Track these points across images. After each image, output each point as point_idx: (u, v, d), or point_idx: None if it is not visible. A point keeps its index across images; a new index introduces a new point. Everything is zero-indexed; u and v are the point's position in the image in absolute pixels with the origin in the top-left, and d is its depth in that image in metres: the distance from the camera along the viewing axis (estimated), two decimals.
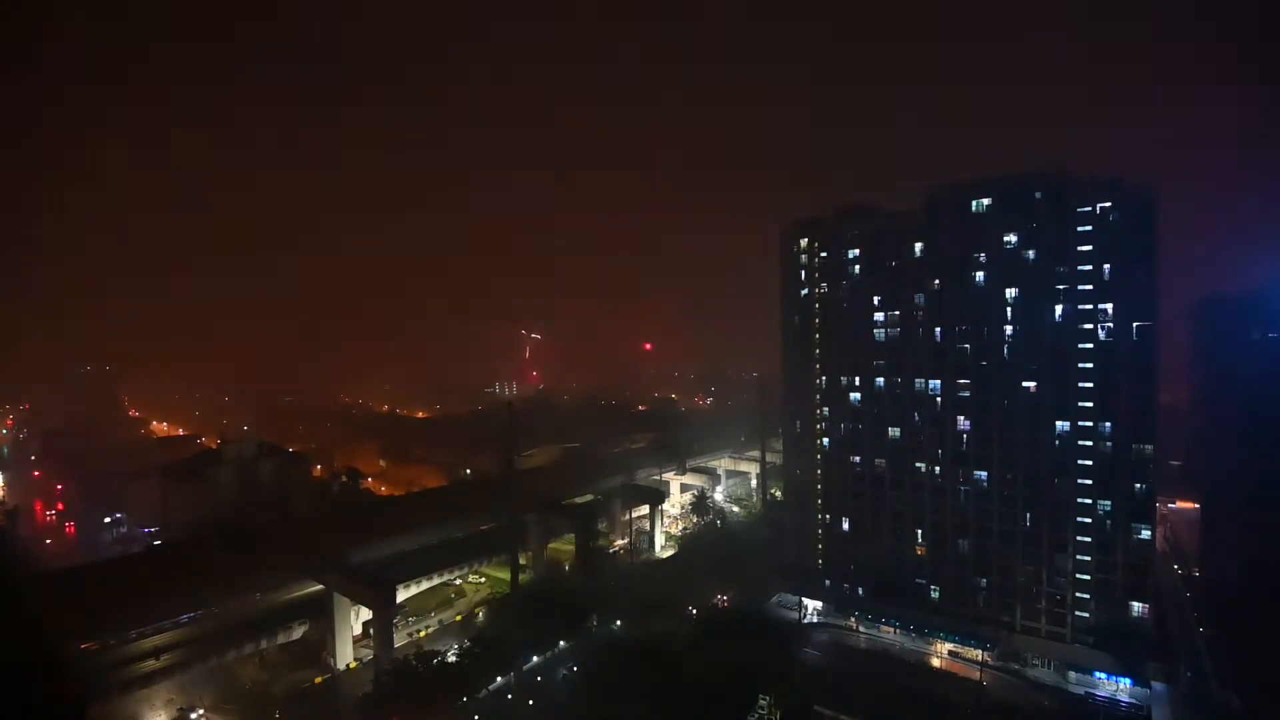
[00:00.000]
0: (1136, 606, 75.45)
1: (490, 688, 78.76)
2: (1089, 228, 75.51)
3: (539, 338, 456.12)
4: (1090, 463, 77.03)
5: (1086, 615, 78.12)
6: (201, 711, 75.57)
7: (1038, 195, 79.05)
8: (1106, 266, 74.86)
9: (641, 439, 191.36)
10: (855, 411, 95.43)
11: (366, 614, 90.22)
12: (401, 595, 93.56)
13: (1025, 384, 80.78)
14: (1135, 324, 73.85)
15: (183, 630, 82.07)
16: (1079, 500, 77.83)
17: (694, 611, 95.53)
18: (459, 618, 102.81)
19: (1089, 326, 76.16)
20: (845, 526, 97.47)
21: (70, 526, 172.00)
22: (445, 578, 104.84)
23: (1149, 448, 74.34)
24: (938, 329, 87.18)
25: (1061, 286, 77.67)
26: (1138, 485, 74.90)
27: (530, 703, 76.56)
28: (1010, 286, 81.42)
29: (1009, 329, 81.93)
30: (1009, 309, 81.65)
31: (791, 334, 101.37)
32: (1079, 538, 78.12)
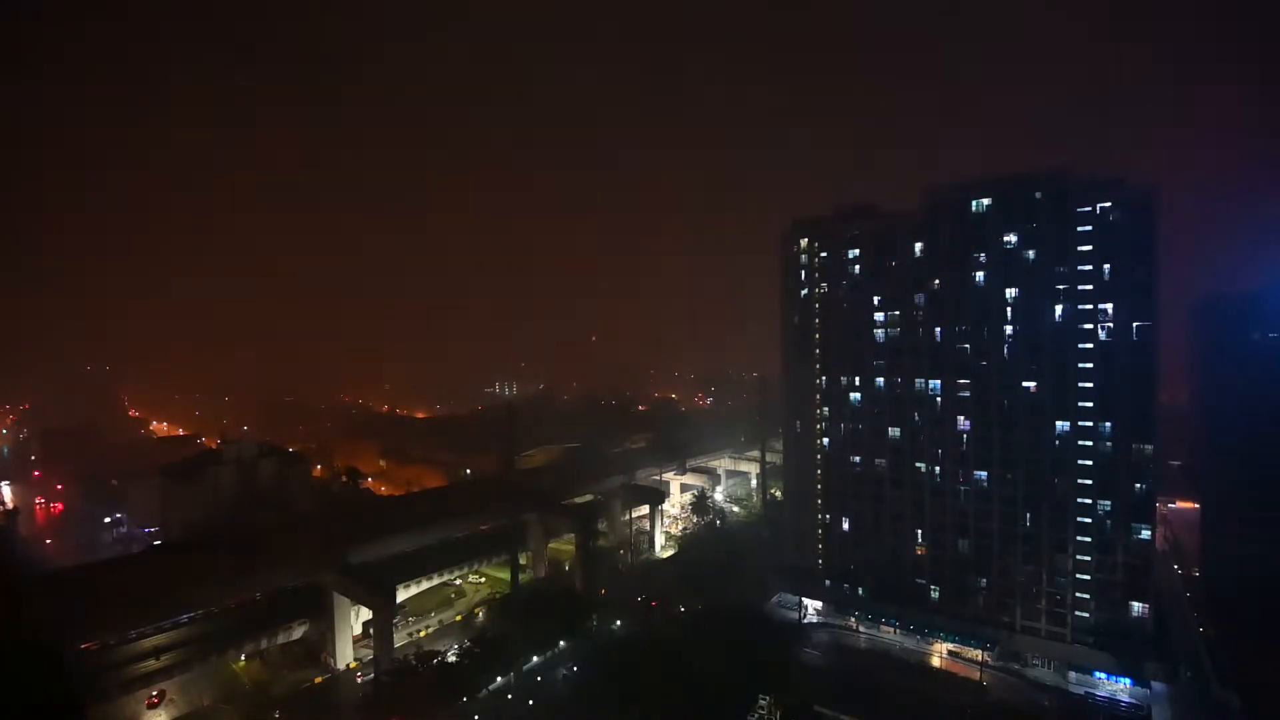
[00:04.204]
0: (1136, 606, 75.41)
1: (490, 688, 78.79)
2: (1089, 228, 75.49)
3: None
4: (1090, 463, 76.99)
5: (1086, 615, 78.09)
6: None
7: (1038, 195, 79.03)
8: (1106, 266, 74.83)
9: (641, 439, 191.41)
10: (855, 411, 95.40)
11: (366, 614, 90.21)
12: (401, 595, 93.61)
13: (1025, 384, 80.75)
14: (1135, 324, 73.80)
15: (183, 630, 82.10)
16: (1079, 500, 77.80)
17: (694, 611, 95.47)
18: (459, 618, 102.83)
19: (1089, 326, 76.11)
20: (845, 526, 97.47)
21: (56, 509, 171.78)
22: (445, 578, 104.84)
23: (1149, 448, 74.29)
24: (938, 329, 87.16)
25: (1061, 286, 77.62)
26: (1138, 485, 74.87)
27: (530, 703, 76.57)
28: (1010, 286, 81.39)
29: (1009, 329, 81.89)
30: (1009, 309, 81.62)
31: (791, 334, 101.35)
32: (1079, 538, 78.10)
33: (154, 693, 76.05)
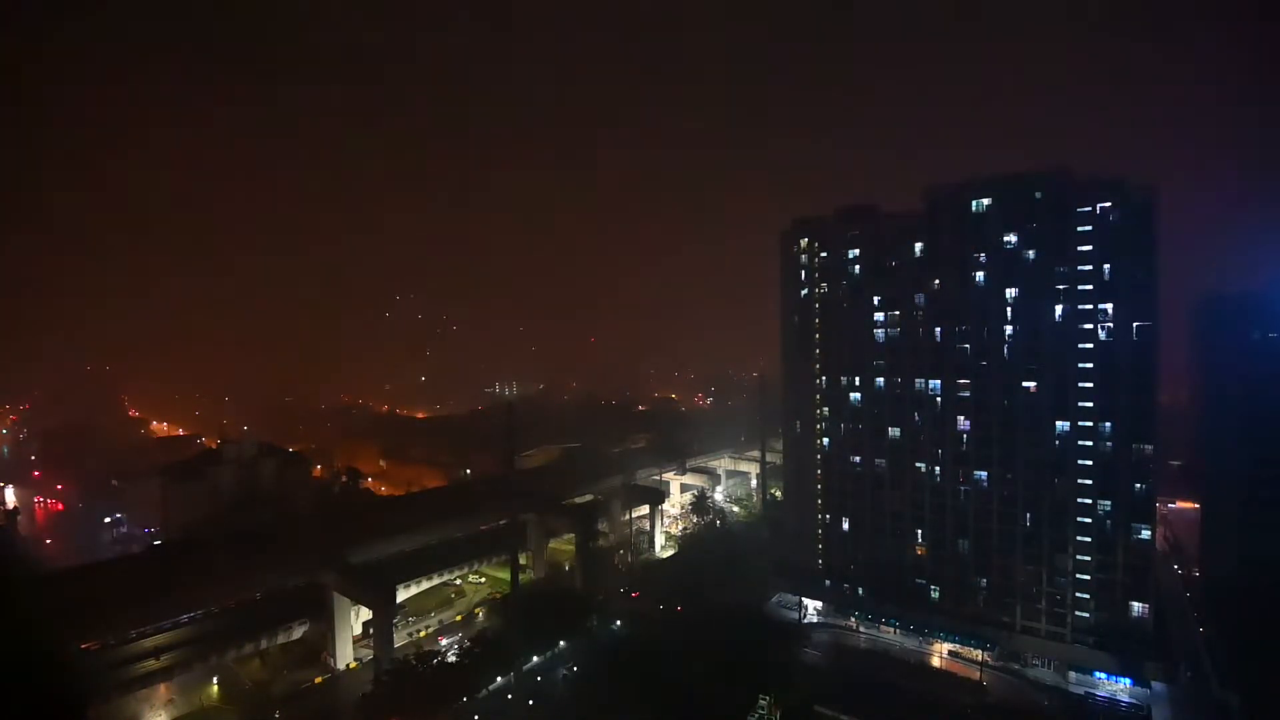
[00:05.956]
0: (1136, 606, 75.42)
1: (490, 688, 78.82)
2: (1089, 228, 75.49)
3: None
4: (1090, 463, 76.99)
5: (1086, 615, 78.08)
6: None
7: (1038, 195, 79.05)
8: (1106, 266, 74.84)
9: (641, 439, 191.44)
10: (855, 411, 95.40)
11: (366, 614, 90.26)
12: (401, 595, 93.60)
13: (1025, 384, 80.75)
14: (1135, 324, 73.81)
15: (183, 630, 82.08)
16: (1079, 500, 77.79)
17: (694, 611, 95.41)
18: (459, 618, 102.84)
19: (1089, 326, 76.11)
20: (845, 526, 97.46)
21: (56, 509, 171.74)
22: (445, 578, 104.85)
23: (1149, 448, 74.30)
24: (938, 329, 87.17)
25: (1061, 286, 77.61)
26: (1138, 485, 74.86)
27: (530, 703, 76.59)
28: (1010, 286, 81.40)
29: (1009, 329, 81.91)
30: (1009, 309, 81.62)
31: (791, 334, 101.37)
32: (1079, 538, 78.09)
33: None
